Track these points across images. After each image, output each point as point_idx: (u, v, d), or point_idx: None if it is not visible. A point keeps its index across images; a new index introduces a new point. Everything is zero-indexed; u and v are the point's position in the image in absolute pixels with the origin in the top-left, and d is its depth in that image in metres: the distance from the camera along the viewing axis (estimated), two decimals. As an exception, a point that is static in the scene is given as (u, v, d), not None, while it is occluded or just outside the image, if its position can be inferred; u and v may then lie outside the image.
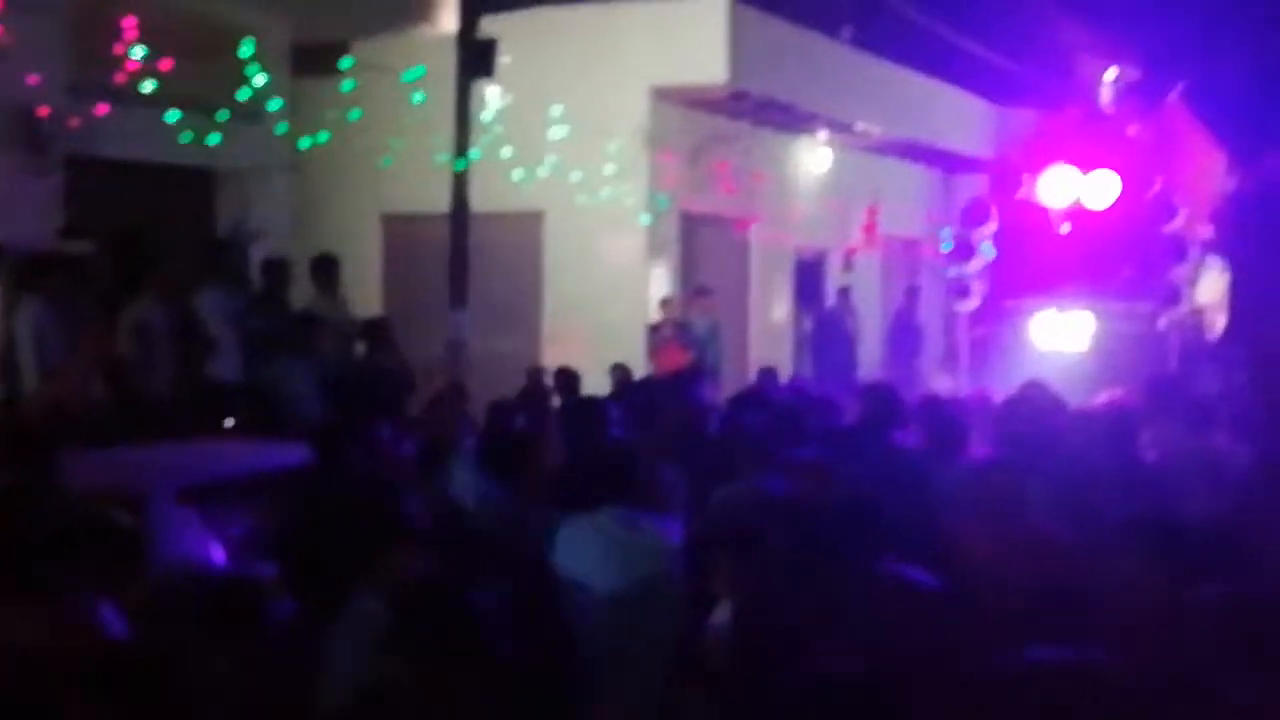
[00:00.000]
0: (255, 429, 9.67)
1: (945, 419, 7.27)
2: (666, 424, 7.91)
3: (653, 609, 5.13)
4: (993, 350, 16.41)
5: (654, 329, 15.37)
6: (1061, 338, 16.12)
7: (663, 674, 5.09)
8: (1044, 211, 17.67)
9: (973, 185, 22.56)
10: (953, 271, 17.14)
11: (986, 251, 16.57)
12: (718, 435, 7.93)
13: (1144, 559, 3.33)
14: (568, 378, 11.55)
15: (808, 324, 18.86)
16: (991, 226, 16.49)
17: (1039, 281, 16.77)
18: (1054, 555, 4.51)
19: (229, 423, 9.99)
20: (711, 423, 8.28)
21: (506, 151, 14.33)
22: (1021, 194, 17.67)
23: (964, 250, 16.86)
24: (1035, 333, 16.21)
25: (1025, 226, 17.47)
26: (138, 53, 11.11)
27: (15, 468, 6.11)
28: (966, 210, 17.12)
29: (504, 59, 13.07)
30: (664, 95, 15.54)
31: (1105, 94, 23.04)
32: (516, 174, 14.51)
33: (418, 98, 13.41)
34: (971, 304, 16.91)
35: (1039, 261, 17.19)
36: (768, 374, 12.15)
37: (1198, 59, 17.58)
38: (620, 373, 12.23)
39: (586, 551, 5.20)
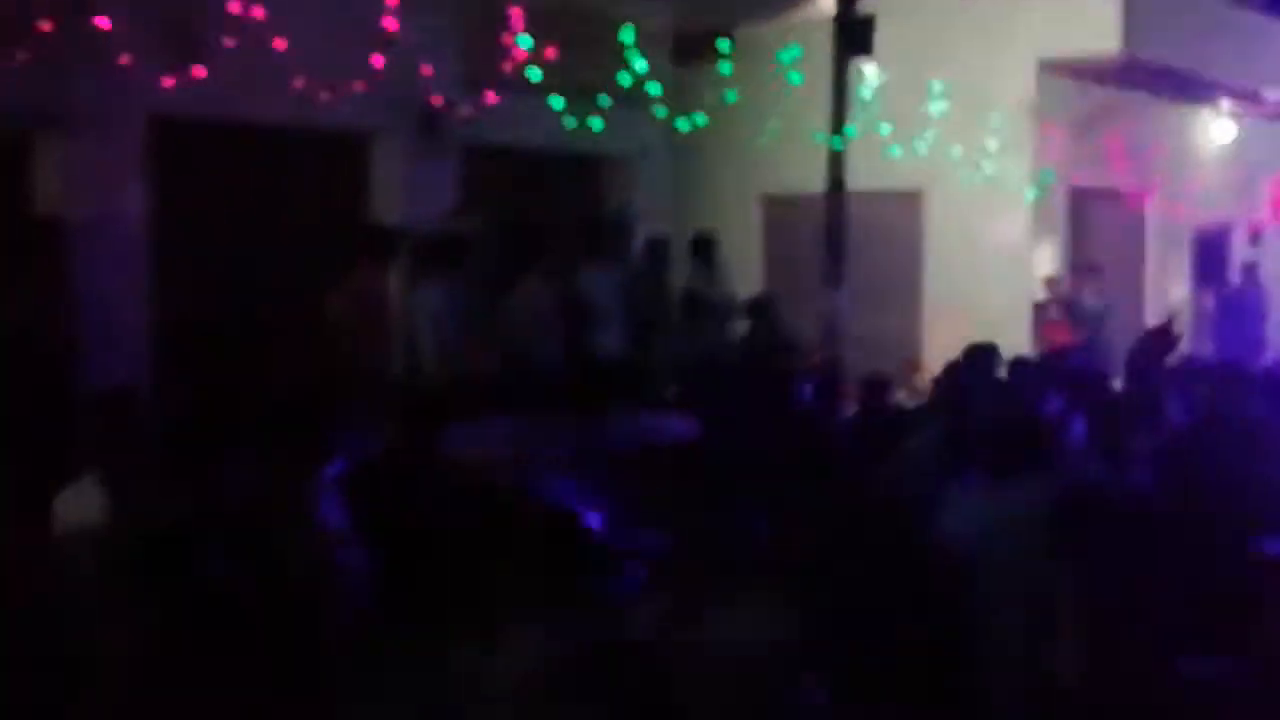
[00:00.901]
0: (637, 403, 9.91)
1: None
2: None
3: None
4: None
5: (1040, 308, 14.88)
6: None
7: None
8: None
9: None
10: None
11: None
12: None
13: None
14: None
15: (1209, 302, 17.82)
16: None
17: None
18: None
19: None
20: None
21: (885, 129, 14.15)
22: None
23: None
24: None
25: None
26: (524, 42, 11.55)
27: (411, 434, 6.52)
28: None
29: (882, 36, 12.90)
30: (1051, 67, 14.99)
31: None
32: (895, 151, 14.30)
33: (795, 78, 13.40)
34: None
35: None
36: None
37: None
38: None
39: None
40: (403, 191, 11.47)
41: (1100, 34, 14.55)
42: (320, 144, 11.15)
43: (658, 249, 12.03)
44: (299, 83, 10.09)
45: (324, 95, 10.28)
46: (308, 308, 9.80)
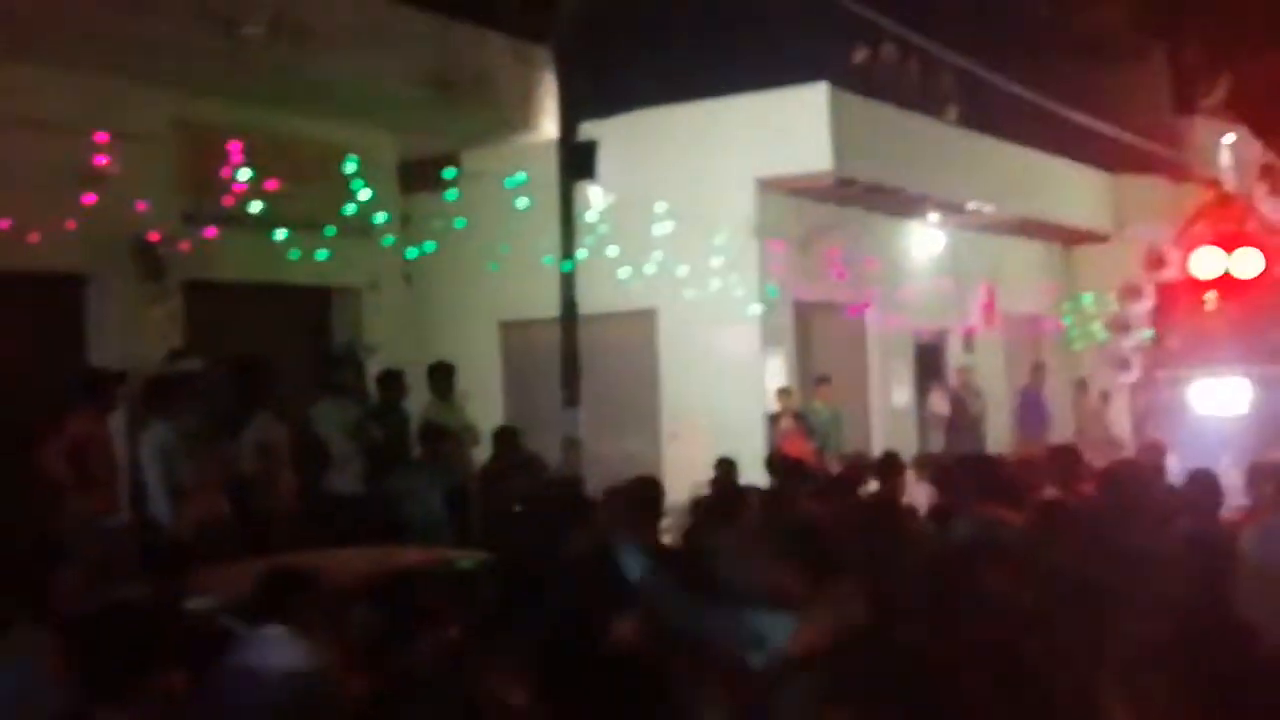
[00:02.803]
0: (379, 537, 9.70)
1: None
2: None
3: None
4: (1156, 418, 16.69)
5: (774, 420, 15.20)
6: (1220, 403, 16.28)
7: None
8: (1194, 285, 17.79)
9: (1094, 257, 22.20)
10: (1112, 346, 18.72)
11: (1142, 327, 17.14)
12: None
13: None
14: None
15: (939, 405, 18.55)
16: (1146, 304, 16.97)
17: (1194, 351, 16.95)
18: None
19: None
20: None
21: (613, 251, 14.35)
22: (1169, 271, 17.91)
23: (1121, 326, 18.74)
24: (1195, 400, 16.40)
25: (1176, 300, 17.76)
26: (244, 175, 11.34)
27: (157, 583, 6.23)
28: (1121, 290, 18.80)
29: (606, 160, 13.14)
30: (770, 186, 15.50)
31: (1223, 158, 22.71)
32: (623, 272, 14.50)
33: (521, 203, 13.51)
34: (1132, 376, 17.37)
35: (1192, 332, 17.41)
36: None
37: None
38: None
39: None
40: (121, 332, 11.01)
41: (813, 154, 15.14)
42: (31, 286, 10.64)
43: (392, 380, 11.87)
44: (4, 224, 9.67)
45: (33, 237, 9.85)
46: (21, 458, 9.29)
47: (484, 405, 14.01)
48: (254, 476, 10.53)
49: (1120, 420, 19.53)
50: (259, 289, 12.40)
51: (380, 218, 12.63)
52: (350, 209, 12.29)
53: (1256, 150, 22.43)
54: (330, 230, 12.28)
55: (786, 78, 15.20)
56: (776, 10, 15.27)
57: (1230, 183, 21.86)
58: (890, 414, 18.02)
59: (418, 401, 12.10)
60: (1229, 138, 22.42)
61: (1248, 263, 17.24)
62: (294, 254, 11.94)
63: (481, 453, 12.12)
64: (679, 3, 16.10)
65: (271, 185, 11.50)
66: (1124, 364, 18.62)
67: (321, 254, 12.23)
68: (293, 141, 12.22)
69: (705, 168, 15.19)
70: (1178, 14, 16.81)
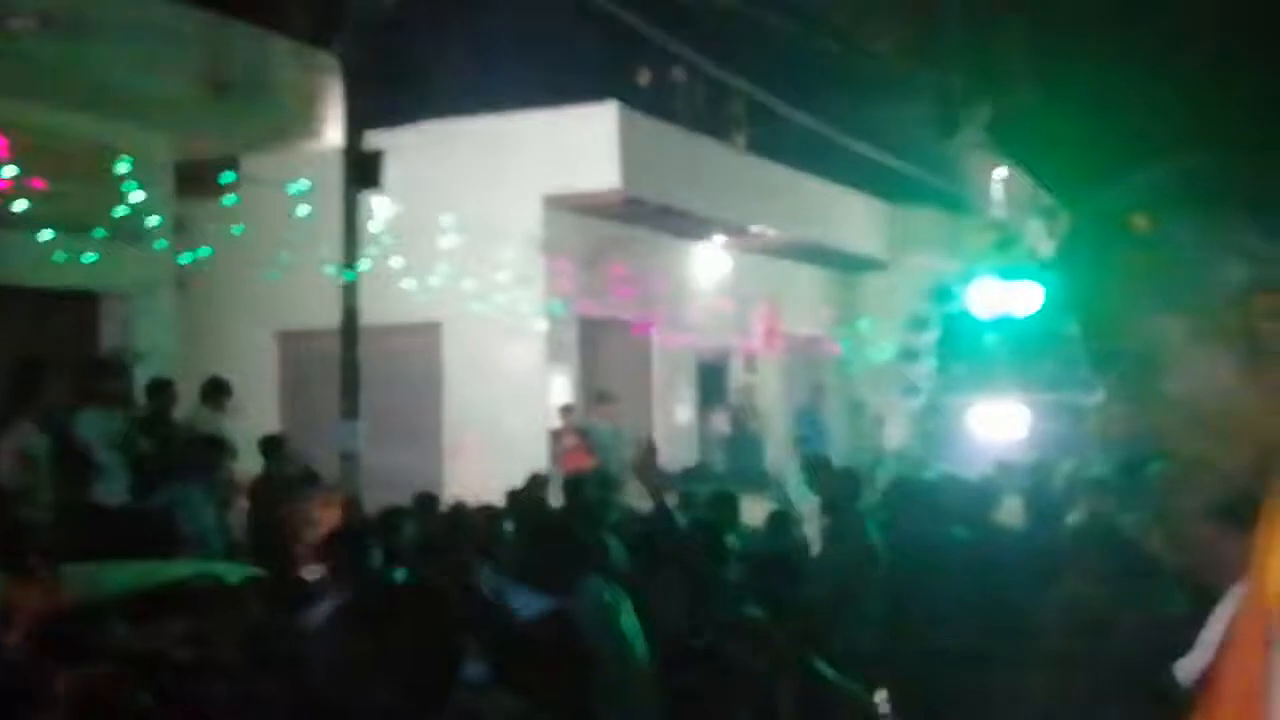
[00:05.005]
0: (147, 551, 9.35)
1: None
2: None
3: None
4: (940, 441, 17.34)
5: (556, 436, 15.20)
6: (1000, 428, 17.01)
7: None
8: (975, 317, 18.57)
9: (873, 283, 22.82)
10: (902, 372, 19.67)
11: (929, 355, 17.87)
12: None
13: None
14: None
15: (720, 424, 18.81)
16: (933, 333, 17.75)
17: (976, 378, 17.67)
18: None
19: None
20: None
21: (398, 262, 14.17)
22: (953, 302, 18.62)
23: (910, 355, 19.79)
24: (976, 425, 17.11)
25: (960, 331, 18.48)
26: (8, 172, 10.85)
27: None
28: (911, 320, 19.66)
29: (393, 171, 12.96)
30: (557, 202, 15.52)
31: (996, 192, 23.57)
32: (407, 284, 14.34)
33: (302, 211, 13.24)
34: (919, 401, 18.63)
35: (975, 360, 18.12)
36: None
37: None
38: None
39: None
40: None
41: (602, 173, 15.23)
42: None
43: (161, 389, 11.48)
44: None
45: None
46: None
47: (260, 416, 13.67)
48: (13, 487, 10.06)
49: (894, 442, 20.08)
50: (22, 292, 11.87)
51: (153, 221, 12.21)
52: (121, 211, 11.86)
53: (1029, 185, 23.34)
54: (100, 232, 11.81)
55: (577, 95, 15.26)
56: (568, 29, 15.33)
57: (1004, 216, 22.72)
58: (673, 431, 18.18)
59: (190, 411, 11.73)
60: (1001, 172, 23.25)
61: (1025, 298, 18.05)
62: (60, 256, 11.46)
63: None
64: (471, 16, 16.03)
65: (38, 184, 11.03)
66: (912, 390, 19.31)
67: (89, 257, 11.76)
68: (62, 139, 11.72)
69: (493, 182, 15.14)
70: (941, 43, 17.39)
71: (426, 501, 10.11)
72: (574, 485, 10.34)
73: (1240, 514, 1.38)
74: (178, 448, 11.30)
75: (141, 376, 11.78)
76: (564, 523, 7.53)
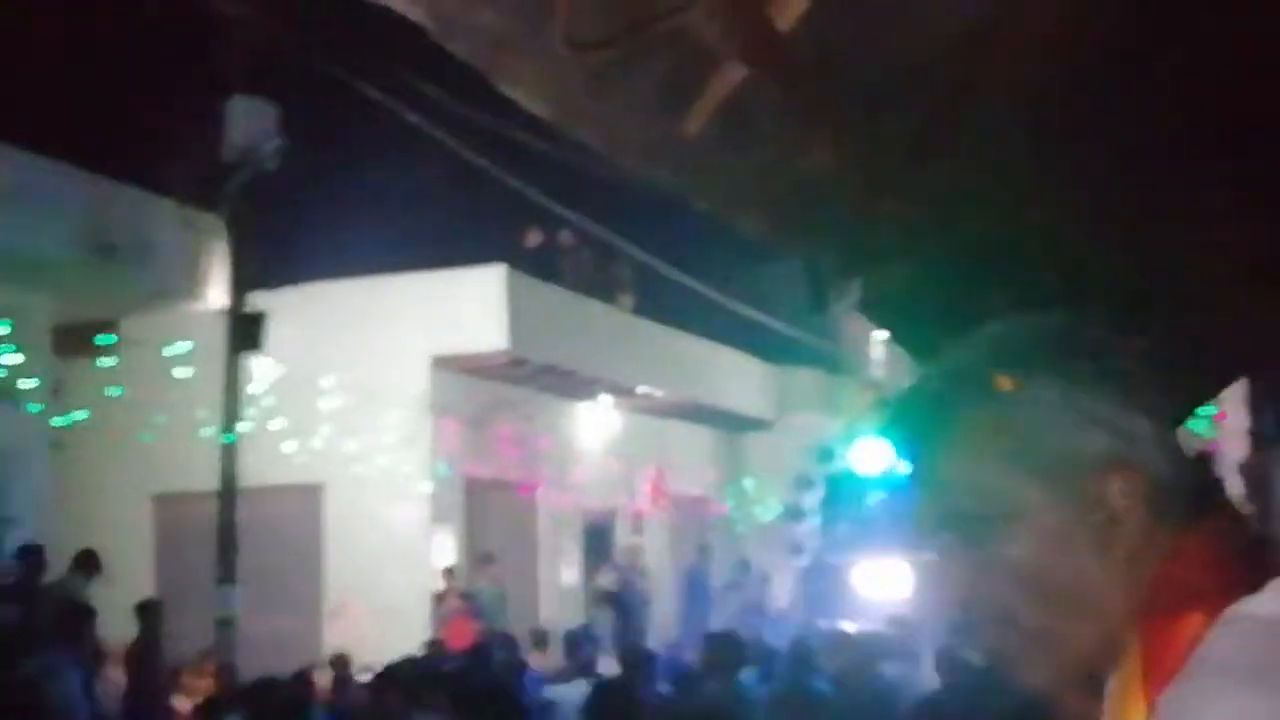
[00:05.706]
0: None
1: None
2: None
3: None
4: (825, 601, 17.46)
5: (440, 599, 15.00)
6: (884, 587, 17.11)
7: None
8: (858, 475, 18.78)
9: (757, 443, 23.02)
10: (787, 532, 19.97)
11: (814, 514, 18.10)
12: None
13: None
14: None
15: (607, 583, 18.71)
16: (818, 493, 18.03)
17: (861, 536, 17.84)
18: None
19: None
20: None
21: (279, 424, 14.06)
22: (835, 461, 18.85)
23: (795, 514, 20.08)
24: (860, 584, 17.24)
25: (843, 489, 18.68)
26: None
27: None
28: (796, 480, 19.97)
29: (276, 332, 12.93)
30: (444, 364, 15.54)
31: (876, 353, 24.02)
32: (288, 446, 14.21)
33: (181, 373, 13.13)
34: (804, 560, 18.71)
35: (859, 519, 18.30)
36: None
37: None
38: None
39: None
40: None
41: (489, 334, 15.31)
42: None
43: (31, 555, 11.20)
44: None
45: None
46: None
47: (134, 581, 13.33)
48: None
49: (781, 601, 20.11)
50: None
51: (29, 383, 12.03)
52: (-3, 373, 11.68)
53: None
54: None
55: (465, 257, 15.40)
56: (456, 192, 15.51)
57: (884, 376, 23.12)
58: (559, 592, 18.05)
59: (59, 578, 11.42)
60: (880, 334, 23.72)
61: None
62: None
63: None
64: (358, 178, 16.18)
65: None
66: (796, 549, 19.59)
67: (-40, 418, 11.56)
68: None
69: (379, 343, 15.14)
70: (810, 223, 17.91)
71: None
72: (483, 652, 10.25)
73: (1086, 685, 1.35)
74: (44, 616, 11.00)
75: (12, 541, 11.50)
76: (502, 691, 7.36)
